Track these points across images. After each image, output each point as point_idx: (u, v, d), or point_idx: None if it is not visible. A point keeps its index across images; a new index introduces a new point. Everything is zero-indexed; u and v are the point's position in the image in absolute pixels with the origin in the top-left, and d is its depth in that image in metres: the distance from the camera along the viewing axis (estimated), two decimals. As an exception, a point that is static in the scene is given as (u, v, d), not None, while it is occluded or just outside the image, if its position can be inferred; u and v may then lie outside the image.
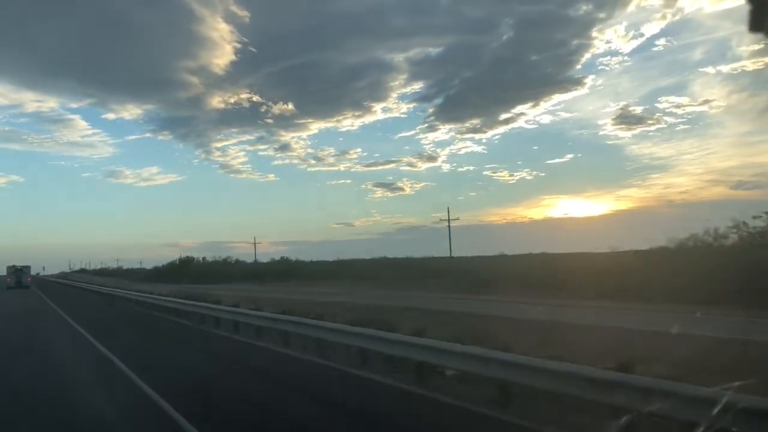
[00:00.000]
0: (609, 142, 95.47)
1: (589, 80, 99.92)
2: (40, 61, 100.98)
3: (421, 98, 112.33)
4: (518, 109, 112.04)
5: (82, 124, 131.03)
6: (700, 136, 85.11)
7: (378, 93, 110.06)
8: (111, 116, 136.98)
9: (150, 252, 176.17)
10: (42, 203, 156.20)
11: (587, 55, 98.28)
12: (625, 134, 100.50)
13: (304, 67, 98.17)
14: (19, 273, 66.54)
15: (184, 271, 76.74)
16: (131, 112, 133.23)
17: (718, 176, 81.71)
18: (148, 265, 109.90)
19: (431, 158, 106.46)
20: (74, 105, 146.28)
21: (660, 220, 77.29)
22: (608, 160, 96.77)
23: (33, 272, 76.98)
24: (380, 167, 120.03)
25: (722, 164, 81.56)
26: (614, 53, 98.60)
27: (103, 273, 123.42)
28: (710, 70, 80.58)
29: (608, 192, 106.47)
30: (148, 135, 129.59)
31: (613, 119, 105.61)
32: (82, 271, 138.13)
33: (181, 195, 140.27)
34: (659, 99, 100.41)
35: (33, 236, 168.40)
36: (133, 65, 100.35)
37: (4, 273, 69.50)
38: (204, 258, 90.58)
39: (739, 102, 66.48)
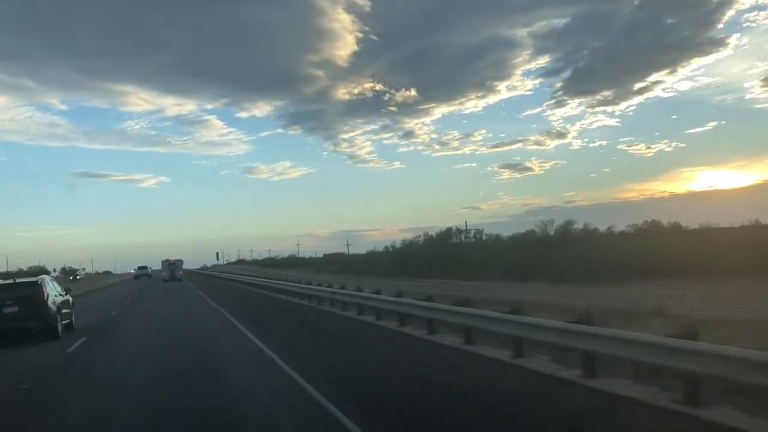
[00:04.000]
0: (757, 106, 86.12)
1: (732, 40, 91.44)
2: (178, 67, 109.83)
3: (547, 73, 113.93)
4: (654, 77, 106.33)
5: (218, 123, 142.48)
6: None
7: (501, 71, 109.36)
8: (244, 114, 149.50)
9: (286, 243, 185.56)
10: (187, 201, 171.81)
11: (730, 13, 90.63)
12: None
13: (425, 52, 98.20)
14: (172, 267, 68.99)
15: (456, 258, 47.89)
16: (262, 109, 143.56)
17: None
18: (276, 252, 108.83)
19: (560, 135, 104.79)
20: (210, 106, 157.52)
21: None
22: (757, 126, 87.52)
23: (196, 266, 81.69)
24: (506, 148, 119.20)
25: None
26: (763, 7, 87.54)
27: (273, 264, 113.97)
28: None
29: (758, 161, 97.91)
30: (279, 130, 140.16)
31: (762, 80, 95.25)
32: (240, 262, 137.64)
33: (313, 187, 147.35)
34: None
35: (181, 232, 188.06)
36: (261, 64, 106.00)
37: (159, 267, 73.25)
38: (464, 234, 57.42)
39: None
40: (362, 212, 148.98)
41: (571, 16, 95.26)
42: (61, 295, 18.69)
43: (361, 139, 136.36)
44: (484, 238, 57.34)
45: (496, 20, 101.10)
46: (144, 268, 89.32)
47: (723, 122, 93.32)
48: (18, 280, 19.64)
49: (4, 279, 22.52)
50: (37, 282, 17.86)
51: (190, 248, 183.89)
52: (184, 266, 74.90)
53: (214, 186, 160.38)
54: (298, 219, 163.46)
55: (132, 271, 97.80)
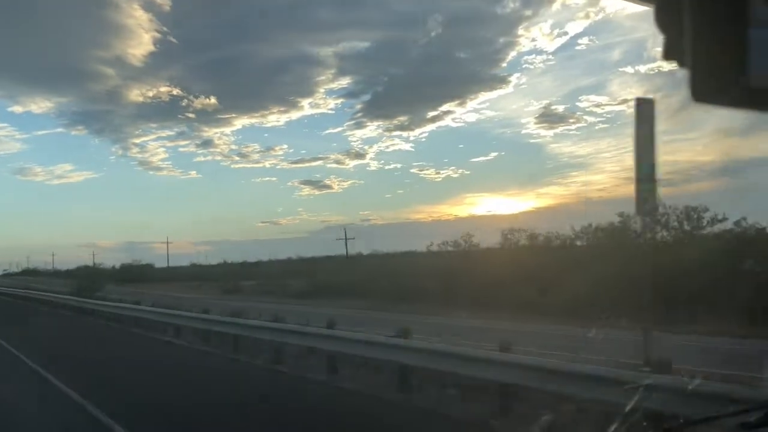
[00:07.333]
0: (531, 141, 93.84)
1: (514, 78, 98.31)
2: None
3: (349, 94, 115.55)
4: (445, 107, 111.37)
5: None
6: (617, 135, 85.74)
7: (305, 88, 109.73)
8: (18, 109, 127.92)
9: (63, 252, 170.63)
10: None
11: (513, 53, 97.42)
12: (546, 133, 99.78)
13: (228, 60, 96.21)
14: None
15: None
16: (41, 105, 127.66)
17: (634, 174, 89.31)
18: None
19: (359, 155, 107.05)
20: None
21: (577, 216, 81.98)
22: (530, 159, 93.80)
23: None
24: (307, 164, 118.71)
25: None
26: (539, 52, 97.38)
27: (88, 275, 61.77)
28: (629, 69, 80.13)
29: (530, 190, 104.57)
30: (60, 130, 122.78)
31: (536, 118, 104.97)
32: (29, 272, 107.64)
33: (97, 193, 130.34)
34: (580, 98, 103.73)
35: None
36: (41, 55, 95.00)
37: None
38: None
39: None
40: (153, 223, 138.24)
41: (372, 41, 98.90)
42: None
43: (155, 144, 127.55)
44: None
45: (300, 36, 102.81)
46: None
47: (502, 153, 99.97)
48: None
49: None
50: None
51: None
52: None
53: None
54: (78, 227, 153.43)
55: None
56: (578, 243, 29.10)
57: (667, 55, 0.77)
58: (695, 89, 0.74)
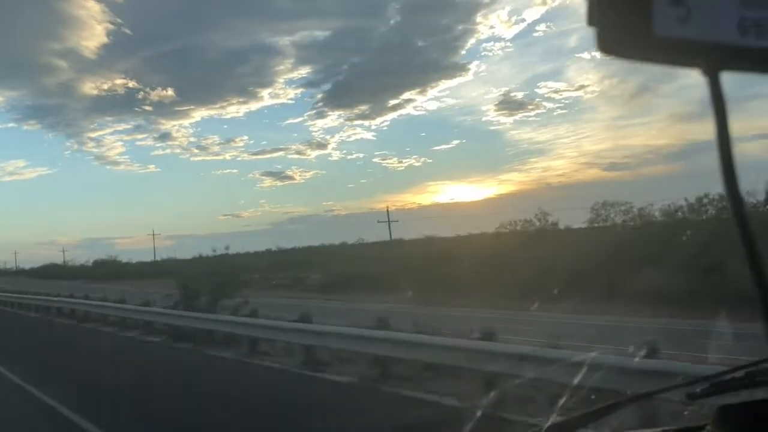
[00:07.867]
0: (492, 128, 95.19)
1: (473, 66, 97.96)
2: None
3: (309, 84, 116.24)
4: (406, 95, 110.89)
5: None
6: (575, 120, 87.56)
7: (264, 78, 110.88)
8: None
9: (23, 250, 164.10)
10: None
11: (472, 41, 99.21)
12: (506, 120, 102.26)
13: (184, 51, 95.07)
14: None
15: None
16: None
17: (592, 159, 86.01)
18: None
19: (321, 146, 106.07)
20: None
21: (539, 202, 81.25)
22: (491, 146, 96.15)
23: None
24: (268, 155, 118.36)
25: (595, 147, 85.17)
26: (497, 39, 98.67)
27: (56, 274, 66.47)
28: (585, 56, 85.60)
29: (491, 177, 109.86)
30: (11, 125, 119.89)
31: (496, 105, 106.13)
32: None
33: (53, 189, 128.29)
34: (539, 85, 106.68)
35: None
36: None
37: None
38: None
39: (610, 87, 68.81)
40: (113, 219, 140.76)
41: (332, 30, 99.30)
42: None
43: (111, 138, 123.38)
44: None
45: (258, 26, 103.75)
46: None
47: (464, 141, 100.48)
48: None
49: None
50: None
51: None
52: None
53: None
54: (36, 224, 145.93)
55: None
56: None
57: (591, 21, 0.76)
58: (602, 42, 0.75)
